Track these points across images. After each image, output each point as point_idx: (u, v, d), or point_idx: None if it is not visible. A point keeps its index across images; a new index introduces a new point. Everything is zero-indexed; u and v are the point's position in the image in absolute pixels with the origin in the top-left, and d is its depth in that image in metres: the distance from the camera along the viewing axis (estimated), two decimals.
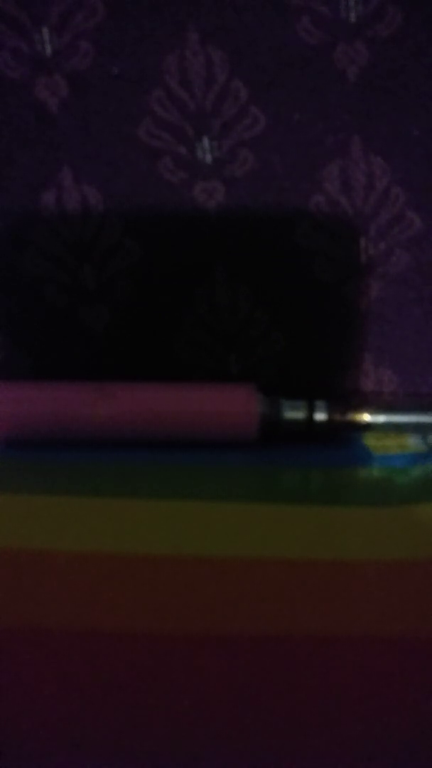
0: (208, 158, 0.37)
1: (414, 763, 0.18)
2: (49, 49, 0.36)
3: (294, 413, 0.34)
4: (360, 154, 0.37)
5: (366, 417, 0.35)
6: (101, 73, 0.36)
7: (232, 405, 0.34)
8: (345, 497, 0.31)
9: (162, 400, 0.34)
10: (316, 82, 0.36)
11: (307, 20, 0.36)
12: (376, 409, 0.35)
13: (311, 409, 0.34)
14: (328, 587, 0.24)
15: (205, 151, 0.37)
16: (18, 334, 0.40)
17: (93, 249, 0.39)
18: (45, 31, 0.36)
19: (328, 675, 0.21)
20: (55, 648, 0.21)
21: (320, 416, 0.34)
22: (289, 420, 0.34)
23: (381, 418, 0.35)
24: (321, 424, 0.34)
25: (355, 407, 0.35)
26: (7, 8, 0.35)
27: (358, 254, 0.39)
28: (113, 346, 0.40)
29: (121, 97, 0.37)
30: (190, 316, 0.40)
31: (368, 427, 0.35)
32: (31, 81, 0.36)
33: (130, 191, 0.38)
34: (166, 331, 0.40)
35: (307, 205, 0.38)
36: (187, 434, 0.34)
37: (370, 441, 0.35)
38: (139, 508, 0.29)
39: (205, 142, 0.37)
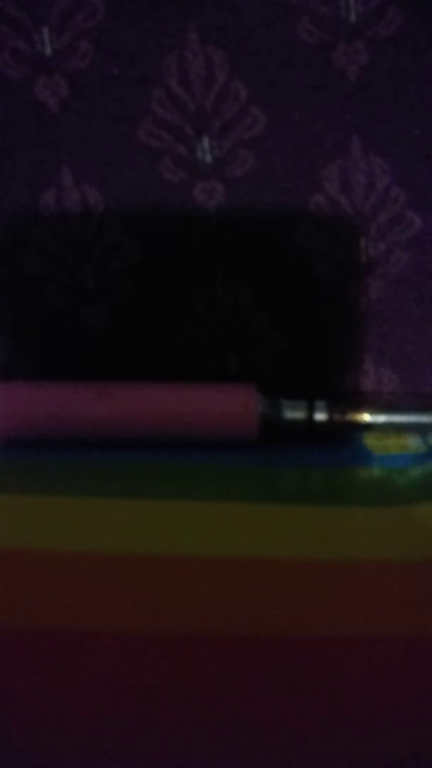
0: (208, 158, 0.37)
1: (414, 763, 0.18)
2: (49, 49, 0.36)
3: (294, 413, 0.34)
4: (360, 154, 0.37)
5: (366, 417, 0.35)
6: (101, 73, 0.36)
7: (232, 405, 0.34)
8: (345, 497, 0.31)
9: (162, 400, 0.34)
10: (316, 82, 0.36)
11: (307, 20, 0.36)
12: (376, 409, 0.35)
13: (311, 409, 0.34)
14: (328, 587, 0.24)
15: (205, 151, 0.37)
16: (18, 334, 0.40)
17: (93, 249, 0.39)
18: (45, 31, 0.36)
19: (328, 675, 0.21)
20: (55, 648, 0.21)
21: (320, 416, 0.34)
22: (289, 420, 0.34)
23: (381, 418, 0.35)
24: (321, 424, 0.34)
25: (355, 407, 0.35)
26: (7, 8, 0.35)
27: (358, 254, 0.39)
28: (113, 346, 0.40)
29: (121, 97, 0.37)
30: (190, 316, 0.40)
31: (368, 427, 0.35)
32: (31, 81, 0.36)
33: (130, 191, 0.38)
34: (166, 331, 0.40)
35: (307, 205, 0.38)
36: (187, 434, 0.34)
37: (370, 441, 0.35)
38: (139, 508, 0.29)
39: (205, 142, 0.37)
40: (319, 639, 0.22)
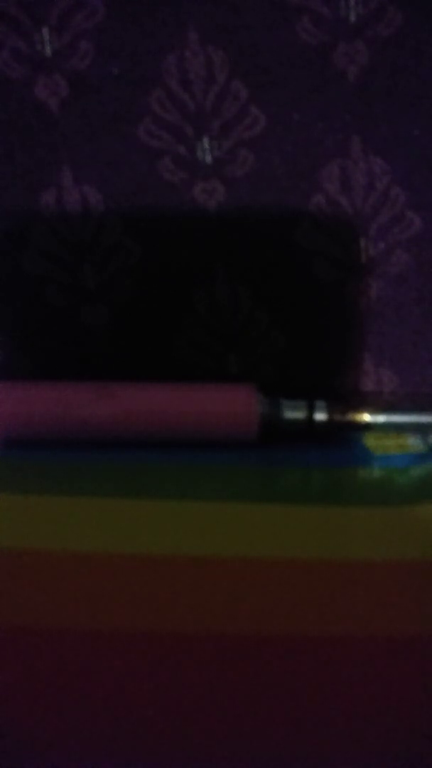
0: (208, 158, 0.37)
1: (414, 763, 0.18)
2: (49, 49, 0.36)
3: (294, 413, 0.34)
4: (360, 154, 0.37)
5: (366, 417, 0.35)
6: (101, 73, 0.36)
7: (232, 405, 0.34)
8: (345, 497, 0.31)
9: (162, 400, 0.34)
10: (316, 82, 0.36)
11: (307, 20, 0.36)
12: (376, 409, 0.35)
13: (311, 409, 0.34)
14: (328, 587, 0.24)
15: (205, 151, 0.37)
16: (18, 334, 0.40)
17: (93, 249, 0.39)
18: (45, 31, 0.36)
19: (327, 674, 0.21)
20: (55, 648, 0.21)
21: (320, 416, 0.34)
22: (289, 420, 0.34)
23: (381, 418, 0.35)
24: (321, 424, 0.34)
25: (355, 407, 0.35)
26: (7, 8, 0.35)
27: (358, 254, 0.39)
28: (113, 345, 0.40)
29: (121, 97, 0.37)
30: (190, 316, 0.40)
31: (368, 427, 0.35)
32: (31, 81, 0.36)
33: (130, 191, 0.38)
34: (166, 331, 0.40)
35: (307, 205, 0.38)
36: (187, 434, 0.34)
37: (370, 441, 0.35)
38: (139, 508, 0.29)
39: (205, 142, 0.37)
40: (319, 639, 0.22)
